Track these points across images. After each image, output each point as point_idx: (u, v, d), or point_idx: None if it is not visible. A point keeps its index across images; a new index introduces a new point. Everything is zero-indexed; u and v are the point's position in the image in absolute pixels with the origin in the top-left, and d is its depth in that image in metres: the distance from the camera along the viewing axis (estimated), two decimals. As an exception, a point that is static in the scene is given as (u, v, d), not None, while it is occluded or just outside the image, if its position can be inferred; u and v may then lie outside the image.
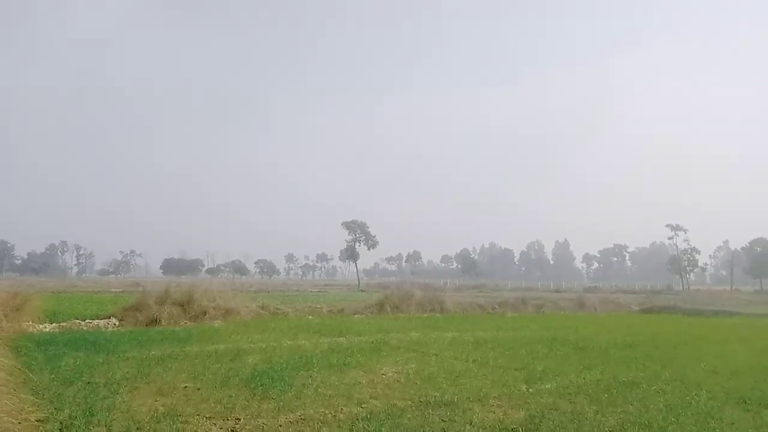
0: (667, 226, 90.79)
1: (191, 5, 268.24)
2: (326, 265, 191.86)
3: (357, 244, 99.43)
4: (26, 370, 9.18)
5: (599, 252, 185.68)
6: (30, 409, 6.57)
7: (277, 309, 23.63)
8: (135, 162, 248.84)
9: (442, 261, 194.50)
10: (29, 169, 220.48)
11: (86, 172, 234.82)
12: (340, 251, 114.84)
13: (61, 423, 6.32)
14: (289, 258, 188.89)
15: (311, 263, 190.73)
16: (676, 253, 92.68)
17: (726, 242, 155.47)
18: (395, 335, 16.20)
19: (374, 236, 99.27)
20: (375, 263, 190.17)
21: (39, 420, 6.29)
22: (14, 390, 7.30)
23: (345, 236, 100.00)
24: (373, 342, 14.46)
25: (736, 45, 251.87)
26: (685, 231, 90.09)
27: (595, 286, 78.73)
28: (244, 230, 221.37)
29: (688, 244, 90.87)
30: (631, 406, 7.91)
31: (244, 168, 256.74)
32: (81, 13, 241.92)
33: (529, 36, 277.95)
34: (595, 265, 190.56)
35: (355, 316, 24.05)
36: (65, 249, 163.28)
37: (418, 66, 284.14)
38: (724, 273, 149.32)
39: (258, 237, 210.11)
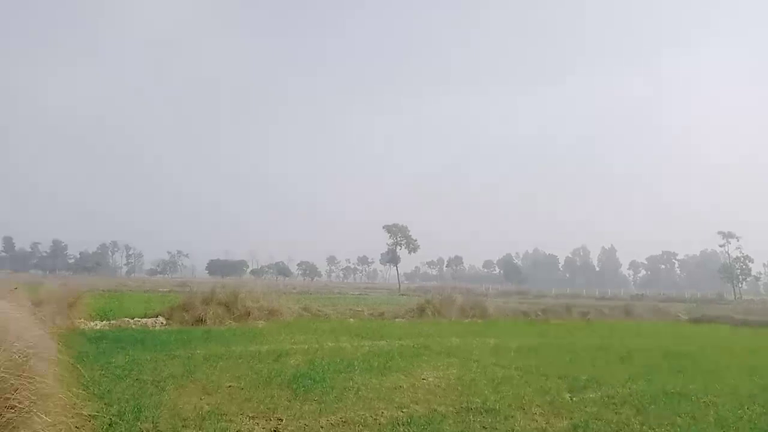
0: (719, 233, 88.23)
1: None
2: (367, 268, 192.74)
3: (398, 247, 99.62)
4: (78, 366, 9.50)
5: (647, 259, 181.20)
6: (81, 404, 6.79)
7: (318, 311, 23.87)
8: (184, 168, 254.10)
9: (484, 266, 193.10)
10: (82, 173, 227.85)
11: (137, 177, 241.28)
12: (381, 254, 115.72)
13: (110, 419, 6.52)
14: (331, 260, 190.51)
15: (352, 266, 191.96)
16: (727, 261, 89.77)
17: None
18: (436, 340, 16.14)
19: (415, 240, 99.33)
20: (416, 267, 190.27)
21: (90, 415, 6.49)
22: (67, 385, 7.56)
23: (386, 240, 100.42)
24: (414, 346, 14.45)
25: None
26: (737, 238, 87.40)
27: (642, 294, 76.78)
28: (286, 232, 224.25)
29: (741, 251, 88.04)
30: (679, 418, 7.68)
31: (284, 174, 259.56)
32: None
33: (573, 40, 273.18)
34: (643, 272, 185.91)
35: (396, 320, 24.05)
36: (116, 249, 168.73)
37: (457, 69, 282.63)
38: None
39: (300, 238, 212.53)
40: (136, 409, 6.97)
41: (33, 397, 5.50)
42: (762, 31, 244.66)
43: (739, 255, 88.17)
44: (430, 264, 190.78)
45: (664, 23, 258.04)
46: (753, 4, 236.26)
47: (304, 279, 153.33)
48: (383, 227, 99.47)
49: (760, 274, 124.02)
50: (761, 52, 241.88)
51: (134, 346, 12.73)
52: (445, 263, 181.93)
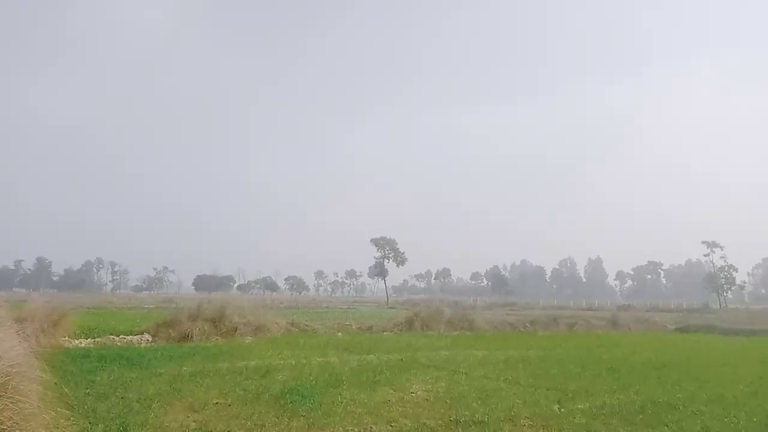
0: (703, 242, 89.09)
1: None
2: (355, 282, 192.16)
3: (386, 260, 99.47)
4: (62, 385, 9.37)
5: (633, 269, 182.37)
6: (66, 423, 6.69)
7: (306, 326, 23.73)
8: (168, 182, 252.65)
9: (472, 278, 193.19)
10: (66, 188, 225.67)
11: (121, 192, 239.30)
12: (369, 268, 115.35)
13: (95, 438, 6.44)
14: (319, 275, 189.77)
15: (340, 280, 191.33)
16: (712, 271, 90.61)
17: (765, 260, 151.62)
18: (424, 353, 16.10)
19: (403, 253, 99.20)
20: (404, 280, 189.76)
21: (74, 434, 6.40)
22: (51, 404, 7.45)
23: (374, 253, 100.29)
24: (402, 360, 14.40)
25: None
26: (721, 248, 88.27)
27: (629, 305, 76.99)
28: (273, 246, 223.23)
29: (725, 261, 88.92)
30: (666, 428, 7.72)
31: (273, 188, 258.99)
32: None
33: (553, 55, 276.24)
34: (629, 282, 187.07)
35: (384, 333, 23.98)
36: (101, 266, 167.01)
37: (449, 86, 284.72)
38: (763, 291, 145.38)
39: (287, 253, 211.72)
40: (121, 428, 6.89)
41: (16, 418, 5.43)
42: (745, 42, 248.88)
43: (723, 264, 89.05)
44: (418, 277, 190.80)
45: (646, 37, 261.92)
46: (736, 18, 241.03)
47: (292, 294, 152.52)
48: (371, 240, 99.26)
49: (745, 282, 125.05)
50: (743, 63, 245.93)
51: (119, 363, 12.57)
52: (433, 276, 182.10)
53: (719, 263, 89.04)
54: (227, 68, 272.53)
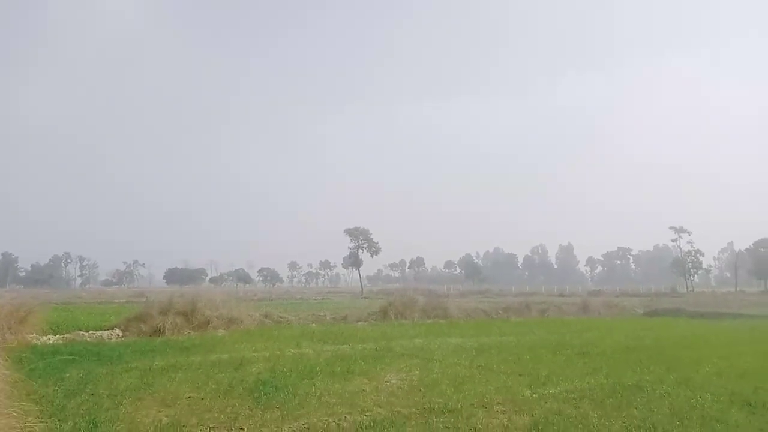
0: (671, 228, 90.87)
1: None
2: (329, 273, 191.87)
3: (360, 250, 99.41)
4: (30, 382, 9.20)
5: (603, 255, 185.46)
6: (34, 421, 6.58)
7: (280, 317, 23.62)
8: (137, 175, 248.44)
9: (445, 267, 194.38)
10: (33, 182, 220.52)
11: (89, 185, 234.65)
12: (343, 258, 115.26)
13: (64, 435, 6.33)
14: (292, 266, 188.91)
15: (314, 271, 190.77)
16: (679, 256, 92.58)
17: (730, 244, 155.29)
18: (399, 342, 16.16)
19: (377, 243, 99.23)
20: (378, 270, 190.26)
21: (43, 432, 6.29)
22: (18, 402, 7.31)
23: (348, 243, 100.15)
24: (376, 349, 14.44)
25: (743, 60, 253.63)
26: (688, 233, 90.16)
27: (599, 290, 78.28)
28: (245, 238, 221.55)
29: (692, 246, 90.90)
30: (635, 410, 7.88)
31: (247, 179, 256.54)
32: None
33: (530, 47, 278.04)
34: (599, 268, 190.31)
35: (359, 323, 23.99)
36: (69, 260, 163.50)
37: (421, 81, 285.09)
38: (728, 275, 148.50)
39: (260, 244, 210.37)
40: (91, 424, 6.78)
41: (-19, 417, 5.31)
42: (715, 40, 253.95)
43: (690, 249, 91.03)
44: (392, 266, 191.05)
45: (617, 34, 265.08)
46: (707, 15, 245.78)
47: (265, 285, 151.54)
48: (345, 231, 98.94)
49: (711, 266, 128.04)
50: (712, 59, 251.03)
51: (89, 359, 12.37)
52: (407, 265, 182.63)
53: (686, 248, 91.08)
54: (199, 63, 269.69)
